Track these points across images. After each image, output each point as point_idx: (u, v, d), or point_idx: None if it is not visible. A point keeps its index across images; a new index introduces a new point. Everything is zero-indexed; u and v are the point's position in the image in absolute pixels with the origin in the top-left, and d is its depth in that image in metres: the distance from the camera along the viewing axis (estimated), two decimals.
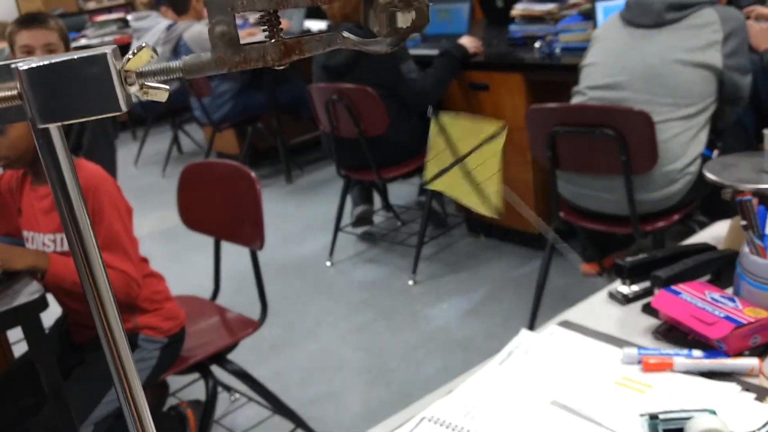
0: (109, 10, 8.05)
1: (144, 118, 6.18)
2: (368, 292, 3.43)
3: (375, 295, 3.40)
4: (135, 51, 0.39)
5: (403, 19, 0.28)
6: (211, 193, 2.29)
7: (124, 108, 0.43)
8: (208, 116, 4.98)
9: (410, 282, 3.45)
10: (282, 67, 0.33)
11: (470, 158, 0.42)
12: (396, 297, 3.35)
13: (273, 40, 0.31)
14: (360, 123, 3.27)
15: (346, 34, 0.31)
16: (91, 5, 8.16)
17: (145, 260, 1.92)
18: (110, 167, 2.59)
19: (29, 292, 1.60)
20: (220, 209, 2.25)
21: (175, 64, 0.35)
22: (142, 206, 4.70)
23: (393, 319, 3.16)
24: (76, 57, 0.41)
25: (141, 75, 0.39)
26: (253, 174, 2.12)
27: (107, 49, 0.41)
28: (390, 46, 0.30)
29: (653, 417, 0.88)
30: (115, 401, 1.76)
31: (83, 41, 6.88)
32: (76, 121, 0.43)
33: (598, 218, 2.59)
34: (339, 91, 3.28)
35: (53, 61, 0.40)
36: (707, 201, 2.53)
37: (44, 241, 1.78)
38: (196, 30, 4.95)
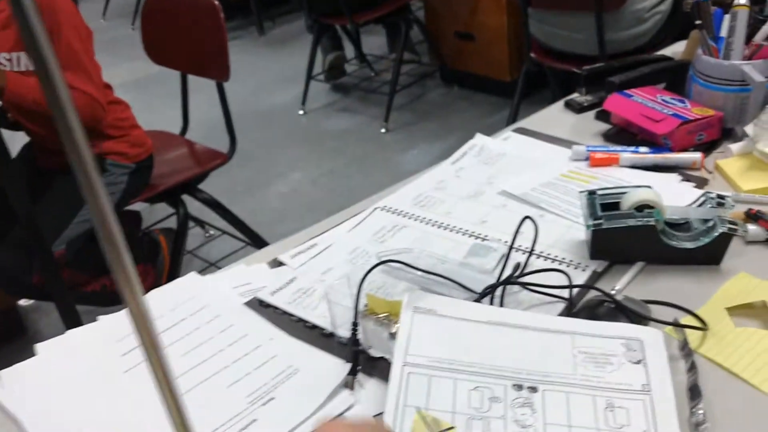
0: None
1: None
2: (340, 140, 3.44)
3: (347, 142, 3.41)
4: None
5: None
6: (174, 26, 2.23)
7: None
8: None
9: (382, 130, 3.46)
10: None
11: None
12: (368, 144, 3.37)
13: None
14: None
15: None
16: None
17: (108, 86, 1.89)
18: None
19: None
20: (185, 42, 2.20)
21: None
22: (112, 59, 4.58)
23: (364, 164, 3.19)
24: None
25: None
26: (216, 2, 2.06)
27: None
28: None
29: (591, 192, 0.92)
30: (87, 222, 1.79)
31: None
32: None
33: (568, 59, 2.58)
34: None
35: None
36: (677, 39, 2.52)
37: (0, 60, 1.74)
38: None
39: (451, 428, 0.50)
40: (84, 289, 1.97)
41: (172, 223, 2.57)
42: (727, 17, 1.15)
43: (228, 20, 2.07)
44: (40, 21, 0.60)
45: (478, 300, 0.81)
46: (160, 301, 0.93)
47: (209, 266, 2.42)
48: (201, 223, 2.63)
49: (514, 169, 1.15)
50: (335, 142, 3.43)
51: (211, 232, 2.64)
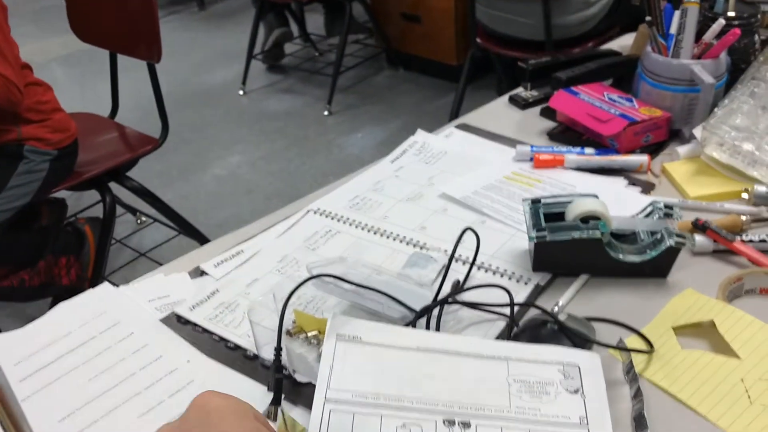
0: None
1: None
2: (281, 121, 3.34)
3: (288, 124, 3.32)
4: None
5: None
6: (102, 1, 2.10)
7: None
8: None
9: (325, 112, 3.37)
10: None
11: None
12: (310, 126, 3.28)
13: None
14: None
15: None
16: None
17: (27, 66, 1.76)
18: None
19: None
20: (114, 20, 2.08)
21: None
22: (40, 32, 4.35)
23: (305, 147, 3.10)
24: None
25: None
26: None
27: None
28: None
29: (535, 201, 0.87)
30: (6, 212, 1.68)
31: None
32: None
33: (514, 45, 2.54)
34: None
35: None
36: (626, 30, 2.50)
37: None
38: None
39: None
40: (0, 284, 1.85)
41: (100, 210, 2.45)
42: (677, 14, 1.11)
43: None
44: None
45: (415, 320, 0.76)
46: (69, 315, 0.84)
47: (139, 256, 2.31)
48: (132, 210, 2.51)
49: (456, 169, 1.09)
50: (276, 123, 3.33)
51: (143, 218, 2.52)
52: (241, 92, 3.61)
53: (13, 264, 1.85)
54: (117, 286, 0.89)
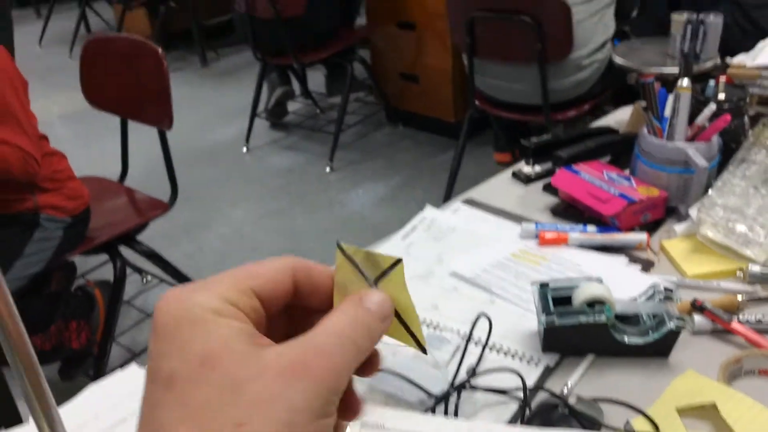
0: None
1: None
2: (284, 179, 3.41)
3: (291, 181, 3.38)
4: None
5: None
6: (115, 70, 2.18)
7: None
8: None
9: (327, 169, 3.44)
10: None
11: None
12: (312, 183, 3.35)
13: None
14: (276, 2, 3.14)
15: None
16: None
17: (44, 137, 1.83)
18: (6, 43, 2.41)
19: None
20: (126, 87, 2.15)
21: None
22: (48, 88, 4.46)
23: (309, 204, 3.16)
24: None
25: None
26: (159, 50, 2.02)
27: None
28: None
29: (543, 285, 0.92)
30: (20, 279, 1.72)
31: None
32: None
33: (511, 108, 2.62)
34: None
35: None
36: (619, 93, 2.59)
37: None
38: None
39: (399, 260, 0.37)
40: None
41: (107, 270, 2.49)
42: (670, 98, 1.18)
43: (169, 50, 2.04)
44: None
45: (434, 406, 0.80)
46: (99, 397, 0.88)
47: (146, 317, 2.34)
48: (138, 270, 2.55)
49: (465, 246, 1.14)
50: (279, 180, 3.39)
51: (149, 278, 2.56)
52: (244, 149, 3.69)
53: (26, 330, 1.88)
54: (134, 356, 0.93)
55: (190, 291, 0.34)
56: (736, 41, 2.47)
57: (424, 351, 0.38)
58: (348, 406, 0.37)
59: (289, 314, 0.39)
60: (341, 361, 0.33)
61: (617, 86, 2.52)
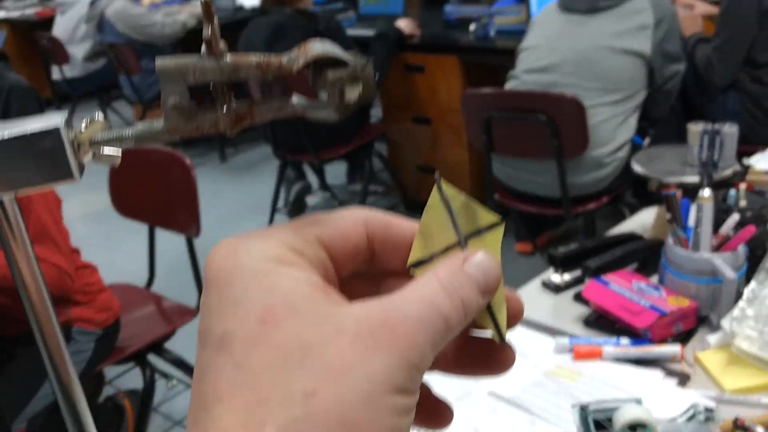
0: None
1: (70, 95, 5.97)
2: None
3: None
4: (88, 122, 0.39)
5: (351, 93, 0.29)
6: (144, 180, 2.24)
7: (77, 177, 0.43)
8: (138, 94, 4.85)
9: None
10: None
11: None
12: None
13: (225, 111, 0.32)
14: None
15: (296, 100, 0.32)
16: None
17: (76, 251, 1.87)
18: None
19: None
20: (154, 196, 2.21)
21: (127, 132, 0.35)
22: (71, 189, 4.55)
23: None
24: (29, 131, 0.41)
25: (93, 144, 0.39)
26: (188, 160, 2.09)
27: (59, 121, 0.41)
28: (337, 115, 0.31)
29: (584, 408, 0.93)
30: (49, 395, 1.72)
31: (2, 14, 6.58)
32: (29, 191, 0.44)
33: (531, 200, 2.65)
34: None
35: (6, 136, 0.40)
36: (637, 184, 2.62)
37: None
38: (119, 5, 4.79)
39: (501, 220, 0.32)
40: None
41: (134, 377, 2.50)
42: (693, 207, 1.21)
43: (188, 147, 2.09)
44: (15, 204, 0.59)
45: None
46: None
47: (173, 426, 2.33)
48: (164, 375, 2.55)
49: None
50: None
51: (174, 382, 2.56)
52: None
53: None
54: None
55: (245, 238, 0.30)
56: (748, 128, 2.53)
57: (503, 342, 0.32)
58: (436, 410, 0.32)
59: (364, 281, 0.33)
60: (427, 336, 0.28)
61: (636, 178, 2.55)
